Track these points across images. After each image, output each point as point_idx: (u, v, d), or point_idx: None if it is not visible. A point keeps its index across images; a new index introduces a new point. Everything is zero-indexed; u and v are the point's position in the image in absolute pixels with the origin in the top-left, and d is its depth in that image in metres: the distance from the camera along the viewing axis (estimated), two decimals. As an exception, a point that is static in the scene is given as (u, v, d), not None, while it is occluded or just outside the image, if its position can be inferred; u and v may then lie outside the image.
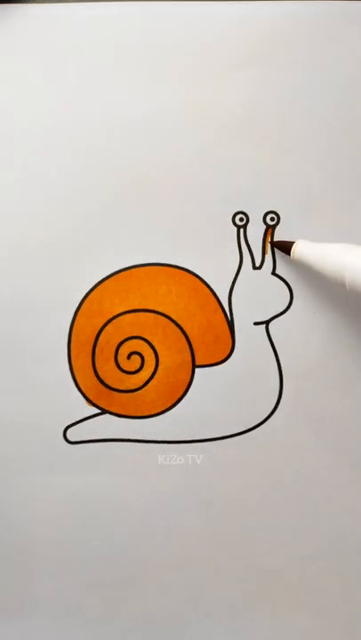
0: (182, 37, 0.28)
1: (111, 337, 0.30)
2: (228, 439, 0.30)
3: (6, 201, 0.29)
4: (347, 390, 0.30)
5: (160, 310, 0.30)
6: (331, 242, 0.29)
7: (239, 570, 0.31)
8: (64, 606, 0.32)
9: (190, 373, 0.30)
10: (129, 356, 0.30)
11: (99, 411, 0.30)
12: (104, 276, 0.30)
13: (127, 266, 0.30)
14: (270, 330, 0.30)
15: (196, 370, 0.30)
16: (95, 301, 0.30)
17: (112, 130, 0.29)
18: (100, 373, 0.30)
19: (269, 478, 0.31)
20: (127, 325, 0.30)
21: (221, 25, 0.28)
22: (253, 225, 0.29)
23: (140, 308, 0.30)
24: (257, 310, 0.30)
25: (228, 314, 0.30)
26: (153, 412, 0.30)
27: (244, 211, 0.29)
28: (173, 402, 0.30)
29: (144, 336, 0.30)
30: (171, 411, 0.30)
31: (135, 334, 0.30)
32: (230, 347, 0.30)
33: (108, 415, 0.30)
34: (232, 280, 0.30)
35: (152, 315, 0.30)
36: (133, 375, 0.30)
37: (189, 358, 0.30)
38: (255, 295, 0.30)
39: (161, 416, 0.30)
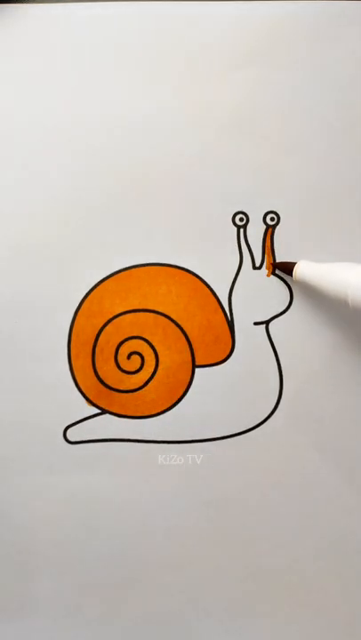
0: (182, 37, 0.28)
1: (111, 337, 0.30)
2: (228, 439, 0.30)
3: (6, 201, 0.29)
4: (347, 390, 0.30)
5: (160, 310, 0.30)
6: (330, 242, 0.29)
7: (239, 570, 0.31)
8: (64, 606, 0.32)
9: (190, 373, 0.30)
10: (129, 356, 0.30)
11: (99, 411, 0.30)
12: (104, 275, 0.30)
13: (127, 266, 0.30)
14: (270, 330, 0.30)
15: (196, 370, 0.30)
16: (95, 301, 0.30)
17: (112, 130, 0.29)
18: (100, 373, 0.30)
19: (269, 478, 0.31)
20: (127, 325, 0.30)
21: (221, 25, 0.28)
22: (253, 225, 0.29)
23: (140, 307, 0.30)
24: (257, 310, 0.30)
25: (228, 314, 0.30)
26: (153, 412, 0.30)
27: (244, 211, 0.29)
28: (173, 402, 0.30)
29: (144, 336, 0.30)
30: (171, 411, 0.30)
31: (135, 334, 0.30)
32: (230, 347, 0.30)
33: (108, 415, 0.30)
34: (232, 280, 0.30)
35: (152, 315, 0.30)
36: (133, 375, 0.30)
37: (189, 358, 0.30)
38: (255, 295, 0.30)
39: (161, 416, 0.30)
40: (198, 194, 0.29)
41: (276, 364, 0.30)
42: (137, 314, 0.30)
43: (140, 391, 0.30)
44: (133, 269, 0.30)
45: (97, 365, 0.30)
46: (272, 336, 0.30)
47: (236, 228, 0.29)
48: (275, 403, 0.30)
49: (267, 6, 0.28)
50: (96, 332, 0.30)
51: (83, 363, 0.30)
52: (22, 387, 0.30)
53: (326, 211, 0.29)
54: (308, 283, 0.27)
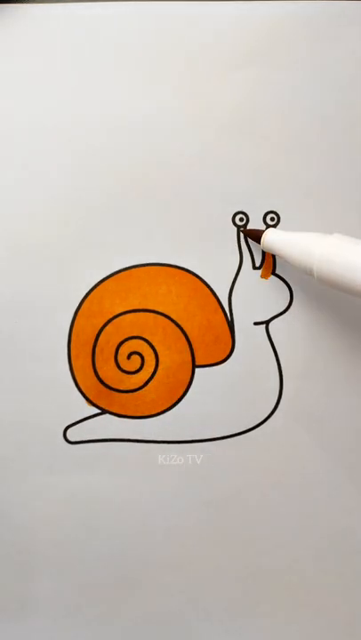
0: (182, 37, 0.28)
1: (111, 337, 0.30)
2: (228, 439, 0.30)
3: (6, 201, 0.29)
4: (347, 390, 0.30)
5: (160, 310, 0.30)
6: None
7: (239, 570, 0.31)
8: (64, 606, 0.32)
9: (190, 373, 0.30)
10: (129, 356, 0.30)
11: (99, 411, 0.30)
12: (104, 275, 0.30)
13: (127, 266, 0.30)
14: (270, 330, 0.30)
15: (196, 370, 0.30)
16: (95, 301, 0.30)
17: (112, 130, 0.29)
18: (100, 373, 0.30)
19: (269, 478, 0.31)
20: (127, 325, 0.30)
21: (221, 25, 0.28)
22: (253, 225, 0.29)
23: (140, 308, 0.30)
24: (257, 310, 0.30)
25: (228, 314, 0.30)
26: (153, 412, 0.30)
27: (244, 211, 0.29)
28: (173, 402, 0.30)
29: (144, 336, 0.30)
30: (171, 411, 0.30)
31: (135, 334, 0.30)
32: (230, 347, 0.30)
33: (108, 415, 0.30)
34: (232, 280, 0.30)
35: (152, 315, 0.30)
36: (133, 375, 0.30)
37: (189, 358, 0.30)
38: (255, 295, 0.30)
39: (161, 416, 0.30)
40: (198, 194, 0.29)
41: (276, 364, 0.30)
42: (137, 314, 0.30)
43: (140, 391, 0.30)
44: (133, 269, 0.30)
45: (97, 365, 0.30)
46: (272, 336, 0.30)
47: (236, 228, 0.29)
48: (275, 403, 0.30)
49: (267, 6, 0.28)
50: (96, 332, 0.30)
51: (83, 363, 0.30)
52: (22, 387, 0.30)
53: (326, 211, 0.29)
54: (276, 251, 0.27)
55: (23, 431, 0.30)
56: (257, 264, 0.29)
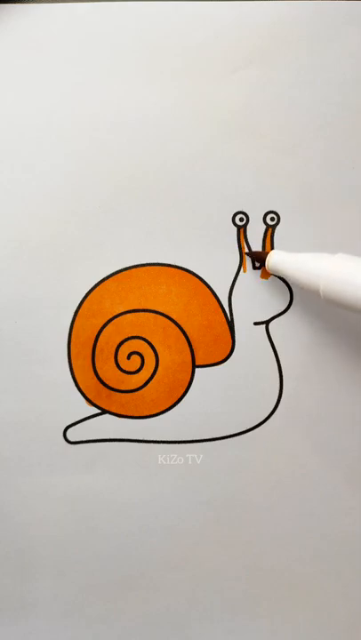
0: (182, 37, 0.28)
1: (111, 337, 0.30)
2: (228, 439, 0.30)
3: (6, 201, 0.29)
4: (346, 390, 0.30)
5: (160, 310, 0.30)
6: (331, 242, 0.29)
7: (239, 570, 0.31)
8: (64, 606, 0.32)
9: (190, 373, 0.30)
10: (129, 356, 0.30)
11: (99, 411, 0.30)
12: (104, 276, 0.30)
13: (127, 266, 0.30)
14: (270, 330, 0.30)
15: (196, 370, 0.30)
16: (95, 301, 0.30)
17: (112, 129, 0.29)
18: (100, 373, 0.30)
19: (269, 478, 0.31)
20: (127, 325, 0.30)
21: (221, 25, 0.28)
22: (253, 225, 0.29)
23: (140, 308, 0.30)
24: (257, 310, 0.30)
25: (228, 314, 0.30)
26: (153, 412, 0.30)
27: (244, 211, 0.29)
28: (173, 402, 0.30)
29: (144, 336, 0.30)
30: (171, 411, 0.30)
31: (135, 334, 0.30)
32: (230, 347, 0.30)
33: (108, 415, 0.30)
34: (232, 280, 0.30)
35: (152, 315, 0.30)
36: (133, 375, 0.30)
37: (189, 358, 0.30)
38: (255, 295, 0.30)
39: (161, 416, 0.30)
40: (198, 194, 0.29)
41: (276, 364, 0.30)
42: (137, 314, 0.30)
43: (140, 391, 0.30)
44: (133, 269, 0.30)
45: (97, 365, 0.30)
46: (272, 336, 0.30)
47: (236, 228, 0.29)
48: (275, 403, 0.30)
49: (267, 6, 0.28)
50: (96, 332, 0.30)
51: (83, 363, 0.30)
52: (22, 387, 0.30)
53: (326, 211, 0.29)
54: (282, 272, 0.27)
55: (23, 431, 0.30)
56: (257, 264, 0.29)
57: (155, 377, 0.30)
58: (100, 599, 0.32)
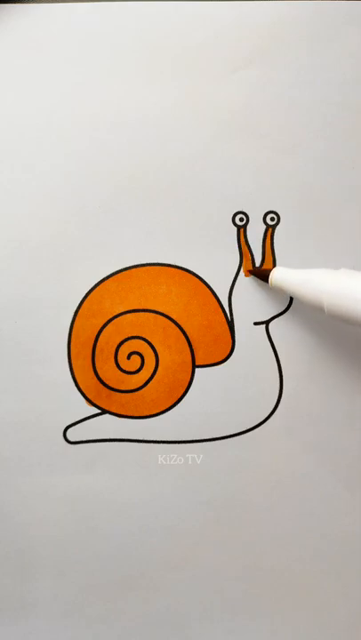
0: (182, 37, 0.28)
1: (111, 337, 0.30)
2: (228, 439, 0.30)
3: (6, 201, 0.29)
4: (346, 390, 0.30)
5: (160, 310, 0.30)
6: (331, 242, 0.29)
7: (239, 570, 0.31)
8: (64, 606, 0.32)
9: (190, 373, 0.30)
10: (129, 356, 0.30)
11: (99, 411, 0.30)
12: (104, 276, 0.30)
13: (127, 266, 0.30)
14: (270, 330, 0.30)
15: (196, 370, 0.30)
16: (95, 301, 0.30)
17: (112, 130, 0.29)
18: (100, 373, 0.30)
19: (269, 478, 0.31)
20: (127, 325, 0.30)
21: (221, 25, 0.28)
22: (253, 225, 0.29)
23: (140, 308, 0.30)
24: (257, 310, 0.30)
25: (228, 314, 0.30)
26: (153, 412, 0.30)
27: (244, 211, 0.29)
28: (173, 402, 0.30)
29: (144, 336, 0.30)
30: (171, 411, 0.30)
31: (135, 334, 0.30)
32: (230, 347, 0.30)
33: (108, 415, 0.30)
34: (232, 280, 0.30)
35: (152, 315, 0.30)
36: (133, 375, 0.30)
37: (189, 358, 0.30)
38: (255, 295, 0.30)
39: (161, 416, 0.30)
40: (198, 194, 0.29)
41: (276, 363, 0.30)
42: (137, 314, 0.30)
43: (140, 391, 0.30)
44: (133, 269, 0.30)
45: (97, 365, 0.30)
46: (272, 336, 0.30)
47: (236, 228, 0.29)
48: (275, 403, 0.30)
49: (267, 6, 0.28)
50: (96, 332, 0.30)
51: (83, 363, 0.30)
52: (22, 387, 0.30)
53: (326, 211, 0.29)
54: (285, 289, 0.27)
55: (23, 431, 0.30)
56: (257, 264, 0.29)
57: (155, 377, 0.30)
58: (100, 599, 0.32)
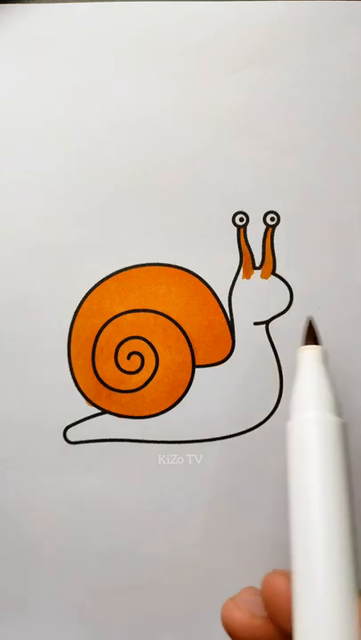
0: (182, 37, 0.28)
1: (111, 337, 0.30)
2: (228, 439, 0.30)
3: (6, 201, 0.29)
4: (346, 390, 0.30)
5: (160, 310, 0.30)
6: (331, 242, 0.29)
7: (239, 570, 0.31)
8: (64, 606, 0.32)
9: (190, 373, 0.30)
10: (129, 356, 0.30)
11: (99, 411, 0.30)
12: (104, 276, 0.30)
13: (127, 266, 0.30)
14: (270, 330, 0.30)
15: (196, 370, 0.30)
16: (95, 301, 0.30)
17: (112, 129, 0.29)
18: (100, 373, 0.30)
19: (269, 478, 0.31)
20: (127, 325, 0.30)
21: (221, 25, 0.28)
22: (253, 225, 0.29)
23: (140, 308, 0.30)
24: (257, 310, 0.30)
25: (228, 314, 0.30)
26: (153, 412, 0.30)
27: (244, 211, 0.29)
28: (173, 402, 0.30)
29: (144, 336, 0.30)
30: (171, 411, 0.30)
31: (135, 334, 0.30)
32: (230, 347, 0.30)
33: (108, 415, 0.30)
34: (232, 280, 0.30)
35: (152, 315, 0.30)
36: (133, 375, 0.30)
37: (189, 358, 0.30)
38: (255, 295, 0.30)
39: (161, 416, 0.30)
40: (198, 194, 0.29)
41: (276, 364, 0.30)
42: (137, 314, 0.30)
43: (140, 391, 0.30)
44: (133, 269, 0.30)
45: (97, 365, 0.30)
46: (272, 336, 0.30)
47: (236, 228, 0.29)
48: (275, 403, 0.30)
49: (267, 6, 0.28)
50: (96, 332, 0.30)
51: (83, 363, 0.30)
52: (22, 387, 0.30)
53: (326, 211, 0.29)
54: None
55: (23, 431, 0.30)
56: (257, 264, 0.29)
57: (155, 377, 0.30)
58: (99, 599, 0.32)
